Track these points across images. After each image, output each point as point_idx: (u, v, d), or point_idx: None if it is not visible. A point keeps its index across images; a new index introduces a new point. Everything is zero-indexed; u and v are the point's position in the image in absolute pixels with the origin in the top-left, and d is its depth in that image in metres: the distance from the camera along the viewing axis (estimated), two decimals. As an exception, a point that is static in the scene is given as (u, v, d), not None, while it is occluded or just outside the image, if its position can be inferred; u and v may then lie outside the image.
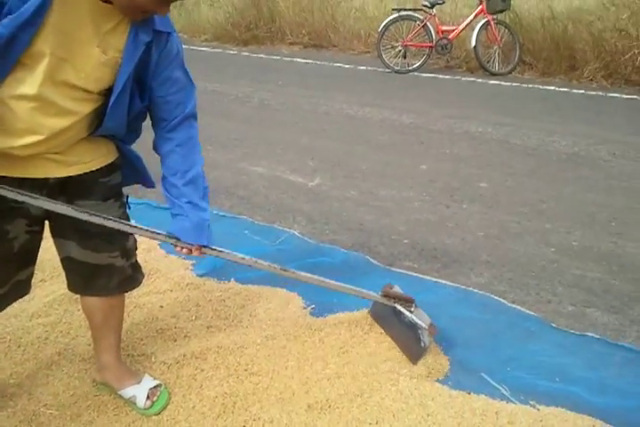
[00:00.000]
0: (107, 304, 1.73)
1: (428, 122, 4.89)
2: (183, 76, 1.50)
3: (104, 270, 1.64)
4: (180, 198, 1.58)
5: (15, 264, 1.55)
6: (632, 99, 5.72)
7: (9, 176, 1.39)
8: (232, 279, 2.48)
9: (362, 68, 7.32)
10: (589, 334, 2.14)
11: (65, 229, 1.55)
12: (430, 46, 6.88)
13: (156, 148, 1.59)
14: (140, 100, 1.46)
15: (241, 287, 2.41)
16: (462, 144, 4.33)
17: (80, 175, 1.48)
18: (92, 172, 1.51)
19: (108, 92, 1.37)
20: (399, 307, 2.03)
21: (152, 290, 2.39)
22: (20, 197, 1.38)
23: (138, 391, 1.77)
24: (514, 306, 2.32)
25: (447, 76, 6.81)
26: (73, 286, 1.72)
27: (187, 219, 1.58)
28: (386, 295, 2.06)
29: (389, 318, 2.08)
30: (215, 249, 1.68)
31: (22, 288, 1.62)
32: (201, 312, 2.24)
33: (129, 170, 1.65)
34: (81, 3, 1.23)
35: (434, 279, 2.50)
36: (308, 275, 1.95)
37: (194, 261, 2.62)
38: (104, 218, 1.50)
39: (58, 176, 1.45)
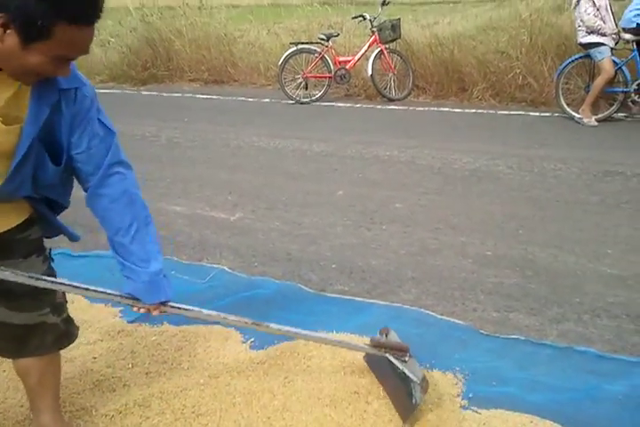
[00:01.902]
0: (42, 363, 1.66)
1: (339, 149, 5.06)
2: (101, 126, 1.45)
3: (36, 330, 1.57)
4: (129, 258, 1.51)
5: None
6: (519, 115, 6.21)
7: None
8: (165, 322, 2.43)
9: (265, 100, 7.45)
10: (515, 336, 2.28)
11: None
12: (329, 77, 7.14)
13: (90, 207, 1.53)
14: (54, 163, 1.39)
15: (176, 329, 2.37)
16: (373, 168, 4.51)
17: None
18: (7, 230, 1.45)
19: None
20: (390, 358, 1.90)
21: (82, 342, 2.28)
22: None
23: None
24: (444, 318, 2.44)
25: (348, 104, 7.08)
26: (5, 351, 1.64)
27: (138, 279, 1.51)
28: (376, 346, 1.93)
29: (383, 366, 1.95)
30: (175, 306, 1.60)
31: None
32: (137, 359, 2.17)
33: (47, 225, 1.59)
34: None
35: (366, 300, 2.57)
36: (285, 328, 1.86)
37: (122, 308, 2.55)
38: (52, 282, 1.46)
39: None
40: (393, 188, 4.05)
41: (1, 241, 1.44)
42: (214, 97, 7.84)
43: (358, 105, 7.04)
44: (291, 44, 7.37)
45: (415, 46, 7.36)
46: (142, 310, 1.56)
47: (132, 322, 2.44)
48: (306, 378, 2.02)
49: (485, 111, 6.44)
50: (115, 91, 8.67)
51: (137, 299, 1.54)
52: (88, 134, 1.42)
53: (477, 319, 2.43)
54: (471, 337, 2.30)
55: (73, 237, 1.70)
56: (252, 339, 2.29)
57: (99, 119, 1.44)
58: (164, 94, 8.19)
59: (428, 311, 2.47)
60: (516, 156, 4.66)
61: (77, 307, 2.54)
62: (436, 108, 6.67)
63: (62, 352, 2.18)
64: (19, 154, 1.30)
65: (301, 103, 7.12)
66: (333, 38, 7.29)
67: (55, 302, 1.62)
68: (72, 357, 2.18)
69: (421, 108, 6.70)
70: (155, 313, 1.57)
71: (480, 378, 2.03)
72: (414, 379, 1.80)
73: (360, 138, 5.40)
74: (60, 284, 1.50)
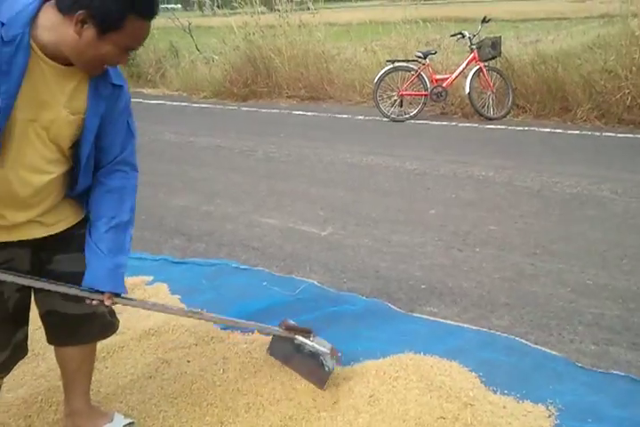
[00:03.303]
0: (83, 352, 1.81)
1: (432, 167, 5.00)
2: (127, 127, 1.59)
3: (86, 319, 1.71)
4: (99, 243, 1.56)
5: (13, 325, 1.61)
6: (627, 137, 5.88)
7: None
8: (256, 331, 2.50)
9: (360, 117, 7.52)
10: (614, 371, 2.15)
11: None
12: (425, 95, 7.10)
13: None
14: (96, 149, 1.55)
15: (266, 339, 2.42)
16: (468, 188, 4.42)
17: (58, 233, 1.58)
18: (70, 226, 1.61)
19: (74, 151, 1.48)
20: (300, 338, 2.09)
21: (178, 345, 2.40)
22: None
23: None
24: (538, 347, 2.34)
25: (444, 123, 7.00)
26: (55, 338, 1.78)
27: (101, 265, 1.55)
28: (287, 329, 2.13)
29: (289, 352, 2.16)
30: (126, 298, 1.65)
31: (21, 350, 1.67)
32: (228, 365, 2.25)
33: None
34: (44, 69, 1.33)
35: (456, 324, 2.52)
36: (211, 314, 2.03)
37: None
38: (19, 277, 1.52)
39: (41, 236, 1.54)
40: (488, 209, 3.96)
41: (64, 236, 1.60)
42: (310, 113, 8.01)
43: (454, 123, 6.95)
44: (387, 61, 7.41)
45: (516, 64, 7.18)
46: (95, 302, 1.57)
47: (224, 329, 2.53)
48: (391, 398, 2.00)
49: (590, 133, 6.15)
50: (217, 106, 9.07)
51: (93, 291, 1.56)
52: (115, 132, 1.56)
53: (574, 351, 2.32)
54: (567, 369, 2.20)
55: None
56: (339, 354, 2.30)
57: (127, 121, 1.60)
58: (263, 110, 8.47)
59: (521, 339, 2.39)
60: (621, 180, 4.41)
61: (175, 311, 2.68)
62: (536, 129, 6.45)
63: (159, 354, 2.32)
64: (86, 144, 1.47)
65: (396, 121, 7.12)
66: (431, 56, 7.26)
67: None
68: (169, 358, 2.30)
69: (521, 128, 6.51)
70: (107, 303, 1.57)
71: (574, 413, 1.93)
72: (324, 350, 2.03)
73: (455, 157, 5.32)
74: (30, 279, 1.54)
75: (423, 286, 2.90)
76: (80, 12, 1.24)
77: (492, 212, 3.90)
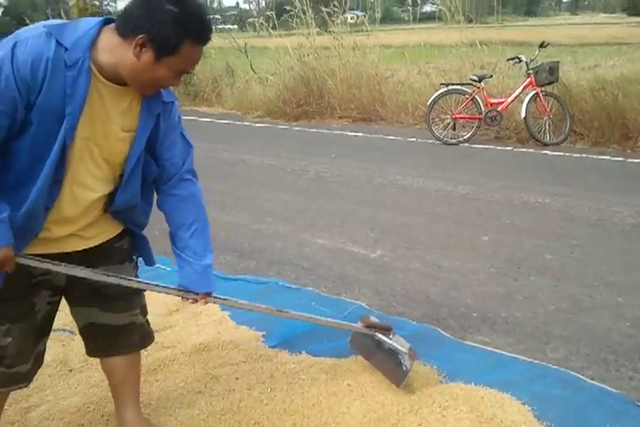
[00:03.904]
0: (126, 362, 1.85)
1: (485, 193, 4.93)
2: (183, 139, 1.67)
3: (126, 330, 1.77)
4: (185, 251, 1.69)
5: (37, 336, 1.66)
6: (691, 167, 5.67)
7: (36, 253, 1.53)
8: (303, 351, 2.50)
9: (411, 139, 7.50)
10: (678, 413, 2.05)
11: (85, 295, 1.67)
12: (479, 118, 7.04)
13: (160, 205, 1.72)
14: (157, 165, 1.62)
15: (313, 360, 2.42)
16: (522, 215, 4.33)
17: (97, 245, 1.63)
18: (109, 239, 1.66)
19: (122, 171, 1.54)
20: (379, 335, 2.13)
21: (227, 361, 2.42)
22: (42, 265, 1.50)
23: None
24: (595, 383, 2.25)
25: (498, 147, 6.91)
26: (96, 350, 1.83)
27: (192, 269, 1.68)
28: (366, 325, 2.16)
29: (369, 347, 2.21)
30: (218, 297, 1.81)
31: (40, 360, 1.72)
32: (276, 384, 2.24)
33: (133, 241, 1.78)
34: (101, 90, 1.41)
35: (509, 354, 2.45)
36: (296, 313, 2.10)
37: (264, 333, 2.66)
38: (119, 277, 1.61)
39: (81, 249, 1.59)
40: (543, 237, 3.86)
41: (103, 249, 1.65)
42: (361, 134, 8.05)
43: (509, 148, 6.84)
44: (441, 84, 7.39)
45: (574, 89, 7.06)
46: (190, 301, 1.73)
47: (273, 347, 2.54)
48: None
49: (651, 162, 5.96)
50: (269, 125, 9.22)
51: (187, 291, 1.71)
52: (174, 144, 1.64)
53: (633, 389, 2.22)
54: (625, 408, 2.09)
55: (149, 262, 1.86)
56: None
57: (181, 133, 1.66)
58: (314, 130, 8.56)
59: (577, 374, 2.30)
60: (685, 212, 4.24)
61: (224, 328, 2.71)
62: (594, 156, 6.29)
63: (208, 370, 2.35)
64: (132, 159, 1.52)
65: (448, 144, 7.08)
66: (486, 79, 7.21)
67: (143, 304, 1.83)
68: (218, 374, 2.31)
69: (578, 155, 6.35)
70: (201, 302, 1.73)
71: (635, 455, 1.84)
72: (402, 350, 2.06)
73: (509, 182, 5.23)
74: (123, 278, 1.64)
75: (475, 314, 2.84)
76: (140, 36, 1.32)
77: (547, 240, 3.80)
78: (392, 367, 2.11)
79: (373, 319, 2.22)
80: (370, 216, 4.42)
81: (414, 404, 2.09)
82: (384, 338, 2.13)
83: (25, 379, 1.66)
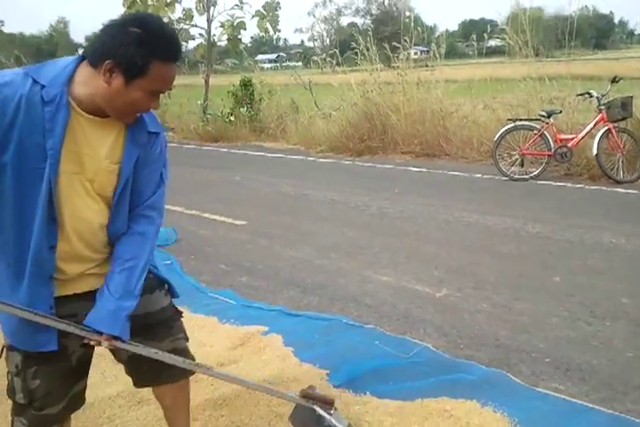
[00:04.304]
0: (175, 387, 1.83)
1: (556, 231, 4.77)
2: (159, 174, 1.62)
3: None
4: (109, 283, 1.53)
5: (72, 379, 1.64)
6: None
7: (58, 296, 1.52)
8: (368, 392, 2.46)
9: (477, 175, 7.40)
10: None
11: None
12: (549, 154, 6.88)
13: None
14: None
15: (379, 402, 2.37)
16: (595, 255, 4.15)
17: None
18: None
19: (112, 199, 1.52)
20: (318, 409, 1.92)
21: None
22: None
23: None
24: (682, 441, 2.09)
25: (568, 184, 6.70)
26: (142, 381, 1.82)
27: (104, 306, 1.51)
28: (305, 396, 1.95)
29: (308, 422, 1.95)
30: (126, 342, 1.55)
31: (78, 401, 1.70)
32: (340, 426, 2.21)
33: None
34: (82, 123, 1.42)
35: (585, 404, 2.32)
36: (221, 372, 1.88)
37: (328, 371, 2.64)
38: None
39: (95, 288, 1.57)
40: (619, 280, 3.68)
41: None
42: (425, 170, 8.01)
43: (579, 185, 6.62)
44: (508, 120, 7.30)
45: (649, 125, 6.81)
46: (93, 342, 1.51)
47: (337, 386, 2.51)
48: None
49: None
50: (332, 160, 9.33)
51: (92, 331, 1.50)
52: (150, 176, 1.59)
53: None
54: None
55: (173, 294, 1.84)
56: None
57: (162, 167, 1.62)
58: (377, 165, 8.59)
59: (662, 429, 2.15)
60: None
61: (288, 365, 2.71)
62: (672, 195, 6.01)
63: (272, 407, 2.34)
64: (119, 190, 1.51)
65: (516, 180, 6.93)
66: (555, 115, 7.07)
67: (183, 329, 1.81)
68: (281, 412, 2.30)
69: (655, 193, 6.09)
70: (104, 345, 1.51)
71: None
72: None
73: (581, 221, 5.05)
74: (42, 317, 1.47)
75: (547, 360, 2.72)
76: (107, 61, 1.34)
77: (623, 283, 3.62)
78: None
79: (316, 392, 2.02)
80: (434, 254, 4.36)
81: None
82: (323, 413, 1.94)
83: (56, 420, 1.64)
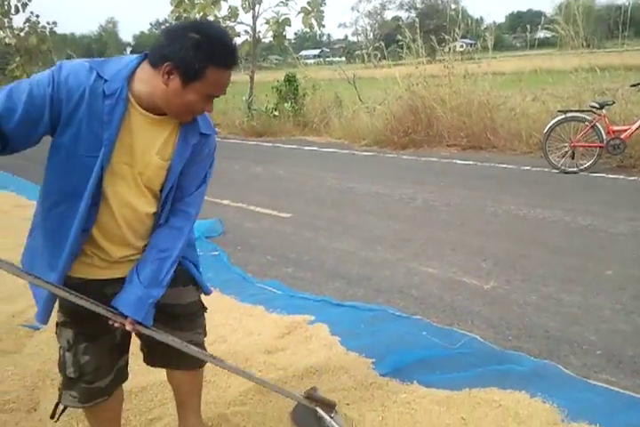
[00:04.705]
0: (190, 376, 1.95)
1: (608, 224, 4.64)
2: (204, 173, 1.69)
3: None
4: (140, 270, 1.61)
5: (117, 353, 1.76)
6: None
7: (96, 279, 1.63)
8: (415, 381, 2.46)
9: (526, 168, 7.24)
10: None
11: (155, 315, 1.69)
12: (601, 146, 6.67)
13: None
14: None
15: (426, 391, 2.37)
16: (650, 248, 4.03)
17: None
18: None
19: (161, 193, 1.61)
20: (319, 411, 2.03)
21: (337, 387, 2.43)
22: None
23: None
24: None
25: (621, 176, 6.49)
26: (153, 361, 1.92)
27: (132, 291, 1.58)
28: (308, 397, 2.05)
29: (309, 421, 2.09)
30: (148, 328, 1.63)
31: (123, 374, 1.83)
32: (387, 413, 2.23)
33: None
34: (139, 119, 1.49)
35: (638, 396, 2.27)
36: (233, 365, 1.93)
37: (374, 360, 2.65)
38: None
39: None
40: (675, 273, 3.56)
41: None
42: (471, 162, 7.89)
43: (633, 178, 6.41)
44: (559, 111, 7.12)
45: None
46: (117, 324, 1.58)
47: (383, 375, 2.52)
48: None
49: None
50: (377, 154, 9.30)
51: (118, 313, 1.57)
52: (195, 175, 1.66)
53: None
54: None
55: (205, 290, 1.90)
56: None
57: (207, 168, 1.69)
58: (422, 159, 8.52)
59: None
60: None
61: (335, 353, 2.73)
62: None
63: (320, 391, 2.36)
64: (167, 186, 1.58)
65: (566, 173, 6.76)
66: (607, 106, 6.85)
67: (204, 324, 1.90)
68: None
69: None
70: (128, 328, 1.57)
71: None
72: None
73: (635, 214, 4.88)
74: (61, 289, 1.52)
75: (599, 352, 2.66)
76: (167, 64, 1.40)
77: (679, 276, 3.50)
78: None
79: (319, 394, 2.12)
80: (482, 246, 4.30)
81: None
82: (324, 415, 2.02)
83: (105, 393, 1.76)
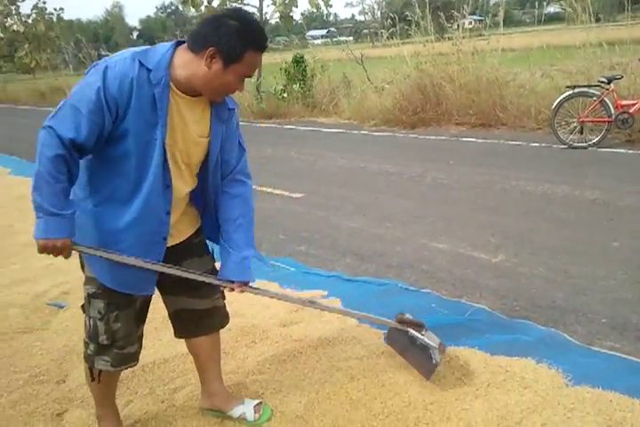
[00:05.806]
0: (210, 341, 2.09)
1: (615, 198, 4.68)
2: (239, 143, 1.90)
3: (209, 313, 2.03)
4: (227, 242, 1.88)
5: (138, 321, 1.91)
6: None
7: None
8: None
9: (534, 144, 7.25)
10: None
11: (176, 286, 1.92)
12: (609, 121, 6.66)
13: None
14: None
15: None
16: (657, 220, 4.07)
17: (181, 241, 1.88)
18: (189, 236, 1.91)
19: (201, 171, 1.80)
20: (411, 331, 2.28)
21: (350, 356, 2.54)
22: (96, 253, 1.70)
23: (246, 409, 2.11)
24: None
25: (630, 151, 6.48)
26: (184, 332, 2.09)
27: (231, 260, 1.87)
28: (400, 321, 2.32)
29: (403, 343, 2.36)
30: (254, 287, 1.98)
31: (142, 342, 1.97)
32: (399, 379, 2.33)
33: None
34: (178, 102, 1.65)
35: (640, 361, 2.36)
36: (330, 306, 2.37)
37: (385, 331, 2.75)
38: (184, 271, 1.84)
39: (169, 246, 1.83)
40: (681, 244, 3.61)
41: (185, 244, 1.91)
42: (480, 140, 7.91)
43: (641, 152, 6.42)
44: (567, 87, 7.09)
45: None
46: (227, 289, 1.91)
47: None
48: (567, 431, 1.94)
49: None
50: (386, 133, 9.32)
51: (225, 280, 1.89)
52: (232, 146, 1.86)
53: None
54: None
55: (214, 239, 2.04)
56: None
57: (239, 137, 1.89)
58: (431, 137, 8.54)
59: None
60: None
61: (347, 325, 2.84)
62: None
63: (334, 362, 2.48)
64: (212, 163, 1.79)
65: (575, 148, 6.77)
66: (616, 81, 6.82)
67: (222, 290, 2.04)
68: (341, 367, 2.44)
69: None
70: (237, 291, 1.90)
71: None
72: (433, 345, 2.19)
73: (642, 187, 4.93)
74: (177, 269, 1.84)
75: (604, 320, 2.75)
76: (210, 48, 1.57)
77: (686, 247, 3.56)
78: (423, 362, 2.25)
79: (408, 316, 2.35)
80: (491, 222, 4.37)
81: (538, 404, 2.08)
82: (416, 334, 2.26)
83: (134, 358, 1.93)
